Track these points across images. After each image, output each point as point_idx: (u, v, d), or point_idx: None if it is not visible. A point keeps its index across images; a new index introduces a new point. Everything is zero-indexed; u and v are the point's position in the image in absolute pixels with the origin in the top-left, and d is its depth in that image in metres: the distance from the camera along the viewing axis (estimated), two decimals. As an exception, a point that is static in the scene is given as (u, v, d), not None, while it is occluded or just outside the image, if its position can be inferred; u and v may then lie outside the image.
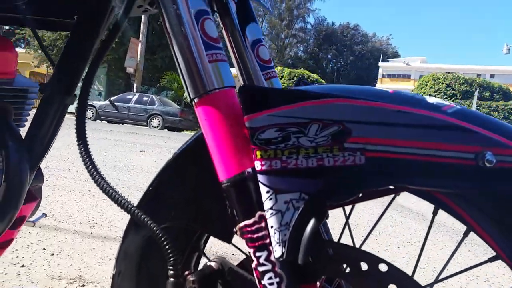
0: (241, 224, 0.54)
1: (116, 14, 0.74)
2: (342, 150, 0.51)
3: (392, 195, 0.61)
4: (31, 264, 1.70)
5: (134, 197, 3.04)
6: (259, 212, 0.53)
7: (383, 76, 38.93)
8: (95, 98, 18.65)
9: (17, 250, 1.82)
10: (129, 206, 0.61)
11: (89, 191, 3.11)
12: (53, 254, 1.82)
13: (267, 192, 0.51)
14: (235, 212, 0.55)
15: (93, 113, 15.10)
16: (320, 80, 19.57)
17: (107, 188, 0.63)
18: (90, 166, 0.65)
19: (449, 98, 16.57)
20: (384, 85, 37.74)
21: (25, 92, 0.88)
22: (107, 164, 4.53)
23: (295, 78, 18.52)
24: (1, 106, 0.80)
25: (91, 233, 2.16)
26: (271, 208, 0.51)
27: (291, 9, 43.59)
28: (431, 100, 0.54)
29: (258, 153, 0.52)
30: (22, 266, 1.67)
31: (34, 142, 0.79)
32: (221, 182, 0.56)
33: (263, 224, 0.53)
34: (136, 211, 0.61)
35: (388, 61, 40.83)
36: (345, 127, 0.51)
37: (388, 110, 0.50)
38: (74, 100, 0.81)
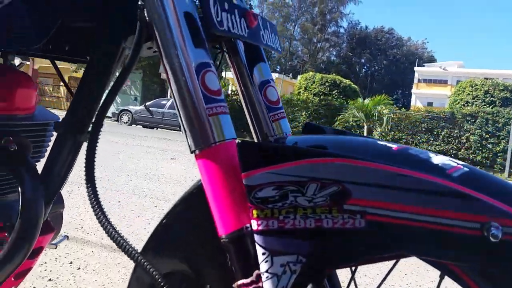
0: (239, 282, 0.53)
1: (126, 55, 0.75)
2: (341, 212, 0.49)
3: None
4: (57, 278, 1.75)
5: (162, 209, 3.09)
6: (256, 271, 0.52)
7: (419, 81, 37.98)
8: (131, 103, 19.12)
9: (46, 263, 1.88)
10: (133, 252, 0.62)
11: (119, 201, 3.19)
12: (79, 268, 1.87)
13: (263, 253, 0.51)
14: (234, 269, 0.54)
15: (129, 118, 15.54)
16: (353, 85, 19.28)
17: (114, 233, 0.65)
18: (98, 210, 0.67)
19: (487, 105, 15.98)
20: (420, 90, 36.84)
21: (45, 126, 0.91)
22: (138, 172, 4.62)
23: (326, 84, 18.34)
24: (20, 142, 0.83)
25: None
26: (267, 271, 0.50)
27: (324, 13, 43.32)
28: (437, 160, 0.52)
29: (254, 212, 0.51)
30: (50, 280, 1.72)
31: (49, 177, 0.81)
32: (219, 237, 0.55)
33: (260, 284, 0.52)
34: (139, 257, 0.62)
35: (424, 66, 39.85)
36: (344, 188, 0.49)
37: (389, 173, 0.48)
38: (87, 137, 0.83)
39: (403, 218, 0.47)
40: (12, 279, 0.91)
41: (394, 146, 0.55)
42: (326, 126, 0.71)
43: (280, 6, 44.17)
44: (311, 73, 20.56)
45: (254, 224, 0.51)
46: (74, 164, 0.85)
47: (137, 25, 0.65)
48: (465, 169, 0.51)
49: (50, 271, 1.80)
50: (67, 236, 1.24)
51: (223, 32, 0.59)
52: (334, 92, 18.03)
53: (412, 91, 38.26)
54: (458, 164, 0.52)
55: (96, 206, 0.67)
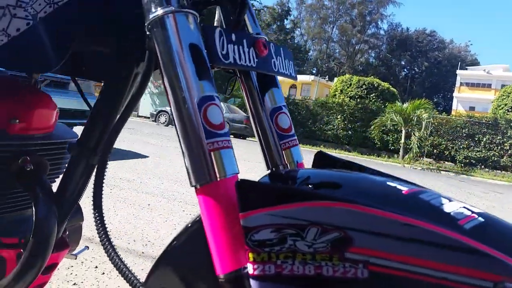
0: (235, 325, 0.51)
1: (138, 81, 0.75)
2: (342, 260, 0.46)
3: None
4: (82, 282, 1.79)
5: (190, 213, 3.12)
6: (253, 316, 0.50)
7: (461, 84, 36.68)
8: (168, 104, 19.48)
9: (72, 266, 1.92)
10: (136, 283, 0.63)
11: (148, 205, 3.24)
12: (103, 273, 1.91)
13: (259, 300, 0.48)
14: None
15: (166, 119, 15.83)
16: (391, 88, 18.80)
17: (119, 263, 0.65)
18: (104, 239, 0.67)
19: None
20: (462, 94, 35.57)
21: (62, 144, 0.92)
22: (169, 176, 4.68)
23: (363, 86, 17.99)
24: (37, 162, 0.84)
25: (143, 252, 2.23)
26: (262, 319, 0.48)
27: (364, 14, 42.64)
28: (450, 207, 0.48)
29: (250, 255, 0.49)
30: (74, 284, 1.77)
31: (63, 197, 0.82)
32: (217, 276, 0.53)
33: (256, 330, 0.50)
34: None
35: (466, 69, 38.40)
36: (346, 235, 0.46)
37: (395, 222, 0.45)
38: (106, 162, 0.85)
39: (409, 271, 0.44)
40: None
41: (404, 189, 0.52)
42: (338, 157, 0.68)
43: (318, 8, 43.84)
44: (348, 75, 20.25)
45: (250, 268, 0.49)
46: (87, 184, 0.85)
47: (146, 53, 0.64)
48: (480, 219, 0.46)
49: (76, 275, 1.85)
50: (88, 247, 1.26)
51: (229, 65, 0.57)
52: (371, 95, 17.67)
53: (454, 94, 37.00)
54: (473, 212, 0.48)
55: (103, 235, 0.67)
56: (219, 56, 0.56)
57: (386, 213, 0.45)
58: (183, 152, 0.56)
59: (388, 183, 0.53)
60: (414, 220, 0.44)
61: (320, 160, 0.68)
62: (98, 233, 0.68)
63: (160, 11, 0.57)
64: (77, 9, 0.70)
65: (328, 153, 0.69)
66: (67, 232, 0.99)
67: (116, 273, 1.91)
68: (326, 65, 44.85)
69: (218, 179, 0.54)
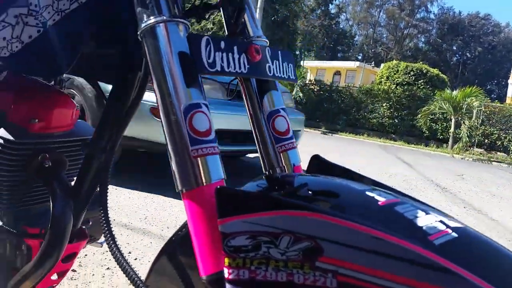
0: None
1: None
2: (313, 269, 0.47)
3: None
4: (115, 267, 1.88)
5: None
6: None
7: (517, 70, 34.56)
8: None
9: (106, 251, 2.03)
10: (138, 282, 0.66)
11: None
12: (136, 259, 2.00)
13: (233, 303, 0.50)
14: None
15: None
16: (441, 75, 17.99)
17: (123, 262, 0.69)
18: (109, 237, 0.71)
19: None
20: (518, 80, 33.49)
21: (81, 141, 0.98)
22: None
23: (411, 73, 17.33)
24: (56, 159, 0.90)
25: (174, 239, 2.31)
26: (236, 321, 0.50)
27: (413, -2, 40.98)
28: (423, 222, 0.48)
29: (226, 260, 0.51)
30: (108, 268, 1.86)
31: (79, 191, 0.87)
32: (201, 277, 0.56)
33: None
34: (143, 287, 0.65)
35: (525, 53, 36.12)
36: (317, 244, 0.47)
37: (363, 234, 0.45)
38: (117, 157, 0.89)
39: (376, 284, 0.44)
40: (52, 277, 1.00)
41: (382, 199, 0.51)
42: (334, 163, 0.68)
43: (365, -9, 42.57)
44: (395, 61, 19.59)
45: (226, 273, 0.51)
46: (107, 181, 0.90)
47: (143, 59, 0.67)
48: (453, 234, 0.46)
49: (110, 260, 1.94)
50: (113, 236, 1.33)
51: (215, 72, 0.59)
52: (419, 81, 16.99)
53: (509, 81, 34.91)
54: (448, 227, 0.47)
55: (107, 231, 0.71)
56: (204, 65, 0.57)
57: (355, 225, 0.46)
58: (170, 157, 0.58)
59: (367, 192, 0.53)
60: (382, 233, 0.44)
61: (316, 164, 0.69)
62: (103, 230, 0.72)
63: (151, 20, 0.59)
64: (82, 16, 0.73)
65: (324, 158, 0.69)
66: (90, 223, 1.05)
67: (148, 259, 2.00)
68: (372, 50, 43.66)
69: (203, 184, 0.56)
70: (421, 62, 20.07)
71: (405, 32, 43.18)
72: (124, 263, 0.69)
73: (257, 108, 0.74)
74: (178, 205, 2.95)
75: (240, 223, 0.50)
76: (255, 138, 0.75)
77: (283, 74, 0.70)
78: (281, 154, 0.73)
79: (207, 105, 0.59)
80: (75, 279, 1.72)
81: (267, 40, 0.77)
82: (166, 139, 0.58)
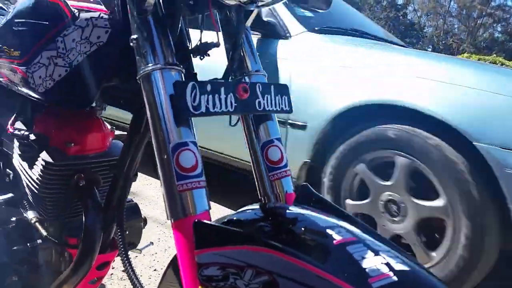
0: None
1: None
2: None
3: None
4: (162, 269, 2.02)
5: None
6: None
7: None
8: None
9: (156, 253, 2.17)
10: None
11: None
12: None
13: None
14: None
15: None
16: (517, 67, 16.72)
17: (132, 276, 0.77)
18: (123, 253, 0.81)
19: None
20: None
21: (115, 161, 1.09)
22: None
23: (484, 66, 16.25)
24: (90, 178, 1.02)
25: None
26: None
27: (488, -16, 38.30)
28: (368, 263, 0.51)
29: (200, 288, 0.57)
30: (155, 270, 2.00)
31: (108, 207, 0.98)
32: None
33: None
34: None
35: None
36: (274, 280, 0.52)
37: (309, 273, 0.50)
38: (135, 178, 0.99)
39: None
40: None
41: (338, 238, 0.55)
42: (321, 196, 0.72)
43: (434, -19, 40.47)
44: (466, 55, 18.49)
45: (199, 300, 0.57)
46: (127, 196, 1.00)
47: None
48: (394, 278, 0.48)
49: (157, 261, 2.08)
50: (152, 243, 1.44)
51: (200, 114, 0.65)
52: (493, 75, 15.88)
53: None
54: (391, 270, 0.50)
55: (122, 250, 0.80)
56: (189, 108, 0.64)
57: (305, 264, 0.50)
58: (162, 190, 0.66)
59: (328, 230, 0.57)
60: (326, 273, 0.49)
61: (304, 195, 0.73)
62: (118, 246, 0.82)
63: (149, 68, 0.67)
64: (102, 56, 0.83)
65: (313, 189, 0.73)
66: (127, 232, 1.16)
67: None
68: (443, 42, 41.45)
69: (188, 215, 0.63)
70: (495, 55, 18.73)
71: (478, 22, 40.51)
72: (134, 279, 0.78)
73: (254, 137, 0.79)
74: (218, 211, 3.06)
75: (212, 255, 0.57)
76: (251, 165, 0.81)
77: (275, 107, 0.75)
78: (275, 182, 0.78)
79: (195, 143, 0.65)
80: (124, 279, 1.87)
81: (265, 74, 0.81)
82: (159, 173, 0.66)
